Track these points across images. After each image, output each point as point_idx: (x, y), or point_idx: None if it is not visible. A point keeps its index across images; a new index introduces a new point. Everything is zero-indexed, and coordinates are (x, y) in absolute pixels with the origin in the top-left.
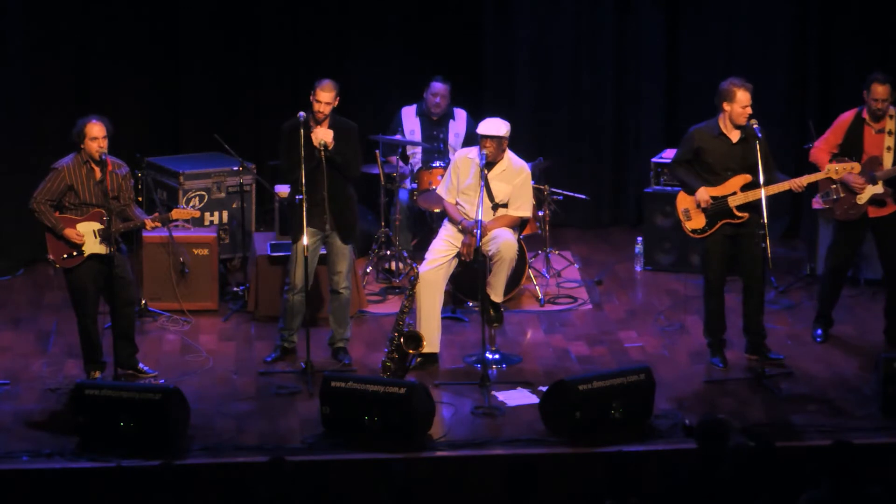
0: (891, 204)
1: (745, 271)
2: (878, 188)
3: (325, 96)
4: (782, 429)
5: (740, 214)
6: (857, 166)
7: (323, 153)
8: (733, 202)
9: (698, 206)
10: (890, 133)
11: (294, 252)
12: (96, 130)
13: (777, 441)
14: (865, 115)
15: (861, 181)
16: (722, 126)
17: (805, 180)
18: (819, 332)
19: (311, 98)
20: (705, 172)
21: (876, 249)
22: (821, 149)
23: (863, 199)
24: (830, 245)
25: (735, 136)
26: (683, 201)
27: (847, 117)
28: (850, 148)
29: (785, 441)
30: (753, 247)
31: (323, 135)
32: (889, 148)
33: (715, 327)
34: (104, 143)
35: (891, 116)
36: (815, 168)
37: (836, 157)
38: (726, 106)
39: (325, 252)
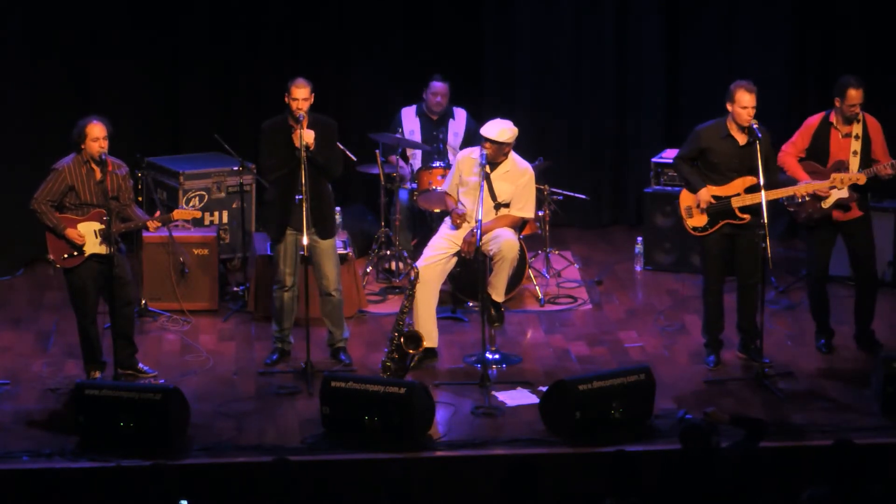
0: (856, 209)
1: (742, 270)
2: (843, 193)
3: (302, 93)
4: (782, 429)
5: (742, 216)
6: (862, 177)
7: (305, 154)
8: (736, 203)
9: (698, 205)
10: (857, 137)
11: (276, 252)
12: (97, 131)
13: (777, 441)
14: (833, 118)
15: (825, 187)
16: (730, 127)
17: (810, 188)
18: (822, 342)
19: (287, 98)
20: (709, 171)
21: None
22: (788, 153)
23: (827, 203)
24: (806, 256)
25: (742, 139)
26: (686, 199)
27: (814, 121)
28: (817, 152)
29: (785, 441)
30: (752, 246)
31: (306, 136)
32: (855, 152)
33: (713, 326)
34: (105, 144)
35: (858, 121)
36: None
37: (802, 161)
38: (729, 106)
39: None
